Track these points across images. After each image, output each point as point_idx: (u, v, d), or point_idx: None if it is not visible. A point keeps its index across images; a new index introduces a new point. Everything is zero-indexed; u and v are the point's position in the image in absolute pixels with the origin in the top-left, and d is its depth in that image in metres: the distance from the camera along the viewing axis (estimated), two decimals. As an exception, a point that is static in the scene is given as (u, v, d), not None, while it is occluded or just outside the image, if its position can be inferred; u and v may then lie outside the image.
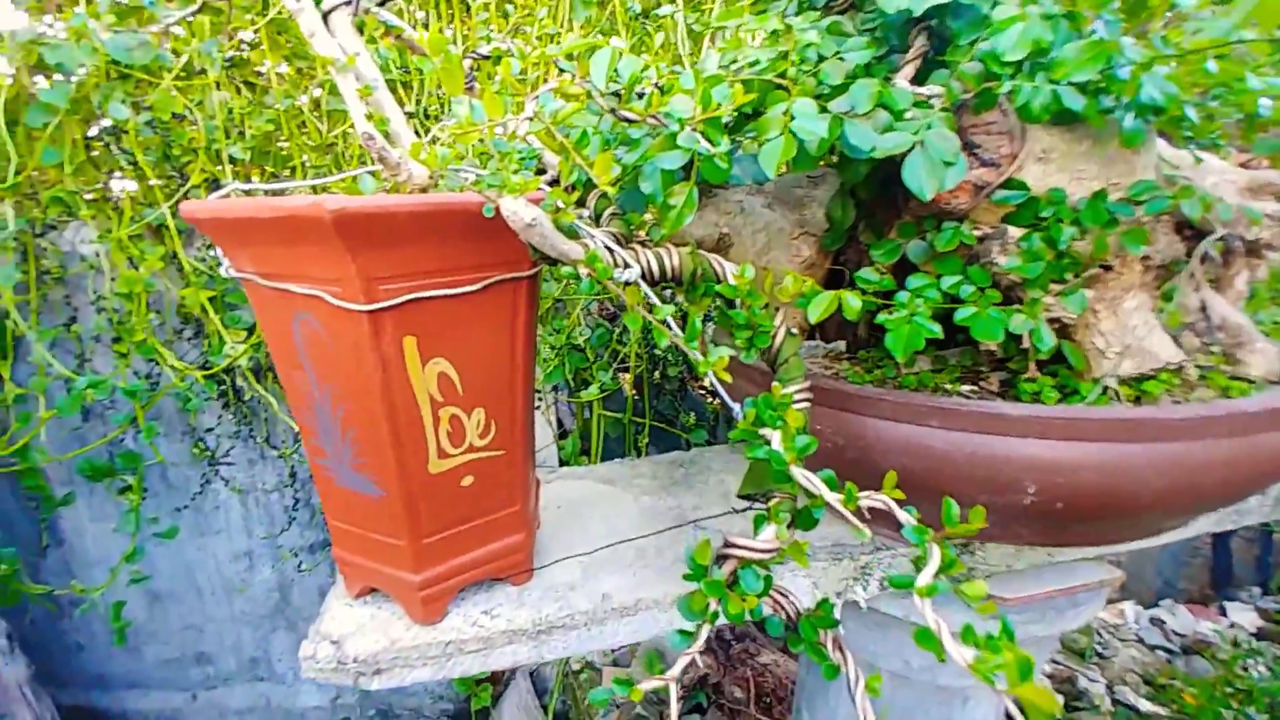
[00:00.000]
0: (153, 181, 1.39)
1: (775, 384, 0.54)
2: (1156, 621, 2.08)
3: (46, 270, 1.49)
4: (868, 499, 0.46)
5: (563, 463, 1.76)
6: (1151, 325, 0.62)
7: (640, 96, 0.50)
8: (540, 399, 1.67)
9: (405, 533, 0.62)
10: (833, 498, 0.45)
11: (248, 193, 0.60)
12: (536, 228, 0.48)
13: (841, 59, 0.54)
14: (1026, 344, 0.61)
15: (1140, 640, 2.01)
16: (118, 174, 1.45)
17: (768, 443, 0.48)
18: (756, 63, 0.54)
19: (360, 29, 0.54)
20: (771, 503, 0.49)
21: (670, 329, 0.48)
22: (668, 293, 0.65)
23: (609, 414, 1.66)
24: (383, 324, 0.54)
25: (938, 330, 0.55)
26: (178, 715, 1.82)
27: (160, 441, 1.56)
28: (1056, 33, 0.50)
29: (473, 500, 0.65)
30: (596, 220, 0.70)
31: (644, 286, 0.53)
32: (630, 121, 0.51)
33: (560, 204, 0.49)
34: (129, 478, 1.55)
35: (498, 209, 0.48)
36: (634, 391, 1.74)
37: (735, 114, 0.82)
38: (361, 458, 0.60)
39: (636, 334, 1.59)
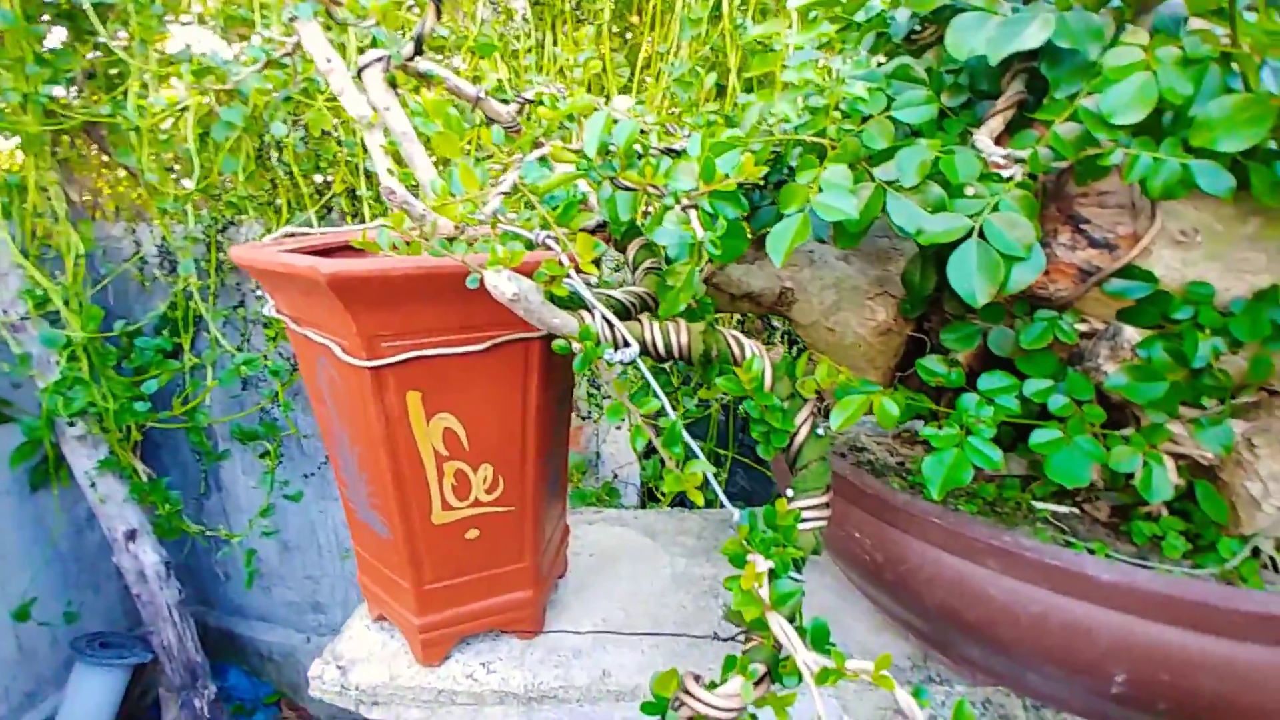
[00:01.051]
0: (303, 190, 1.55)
1: (783, 497, 0.46)
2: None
3: (224, 261, 1.71)
4: (855, 667, 0.37)
5: (643, 484, 1.72)
6: (1337, 476, 0.45)
7: (639, 159, 0.43)
8: (625, 418, 1.64)
9: (409, 577, 0.61)
10: (809, 660, 0.37)
11: (299, 236, 0.62)
12: (520, 303, 0.44)
13: (892, 118, 0.43)
14: (1137, 481, 0.47)
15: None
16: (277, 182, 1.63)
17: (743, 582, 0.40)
18: (786, 119, 0.45)
19: (393, 83, 0.53)
20: (745, 648, 0.41)
21: (646, 428, 0.42)
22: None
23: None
24: (385, 379, 0.53)
25: (997, 460, 0.43)
26: (294, 652, 2.05)
27: (297, 415, 1.75)
28: (1199, 84, 0.36)
29: (478, 553, 0.63)
30: (634, 269, 0.64)
31: (644, 369, 0.47)
32: (631, 189, 0.45)
33: (552, 275, 0.44)
34: (269, 444, 1.75)
35: (482, 281, 0.44)
36: (721, 419, 1.66)
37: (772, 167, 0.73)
38: (372, 498, 0.61)
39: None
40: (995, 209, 0.39)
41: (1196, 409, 0.45)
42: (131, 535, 1.71)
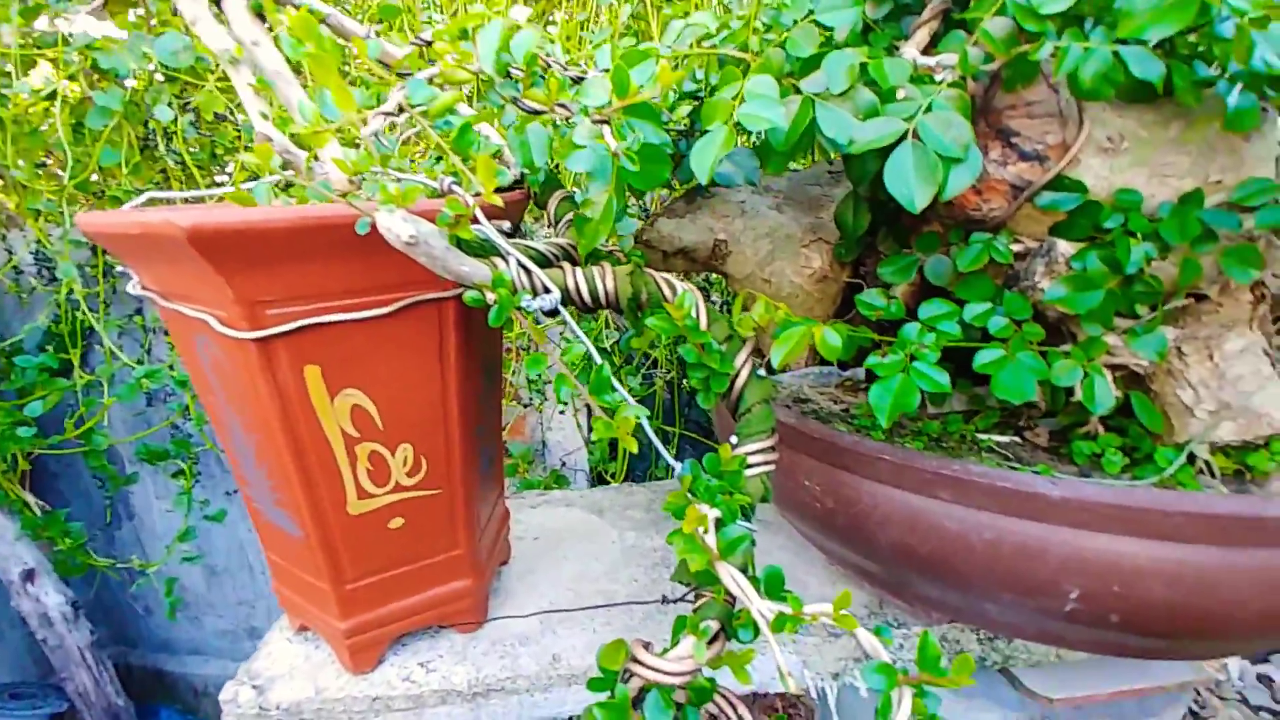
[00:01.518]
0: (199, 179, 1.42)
1: (726, 443, 0.42)
2: (1264, 679, 1.76)
3: (113, 264, 1.55)
4: (814, 610, 0.34)
5: (592, 468, 1.68)
6: (1264, 376, 0.45)
7: (540, 79, 0.39)
8: (568, 403, 1.59)
9: (327, 577, 0.55)
10: (764, 609, 0.33)
11: (167, 202, 0.54)
12: (420, 246, 0.38)
13: (817, 23, 0.40)
14: (1078, 396, 0.46)
15: (1244, 700, 1.71)
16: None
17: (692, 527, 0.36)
18: (709, 34, 0.42)
19: (260, 13, 0.46)
20: (696, 605, 0.38)
21: (571, 377, 0.38)
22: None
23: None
24: (275, 352, 0.46)
25: (944, 383, 0.41)
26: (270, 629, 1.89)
27: (212, 429, 1.60)
28: (1126, -27, 0.35)
29: (405, 543, 0.57)
30: (556, 224, 0.59)
31: (566, 316, 0.43)
32: (535, 113, 0.40)
33: (455, 215, 0.39)
34: (182, 462, 1.60)
35: (374, 225, 0.38)
36: (666, 396, 1.63)
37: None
38: (276, 493, 0.54)
39: (667, 341, 1.48)
40: (928, 110, 0.36)
41: (1130, 318, 0.44)
42: (29, 576, 1.53)
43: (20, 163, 1.47)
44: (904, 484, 0.47)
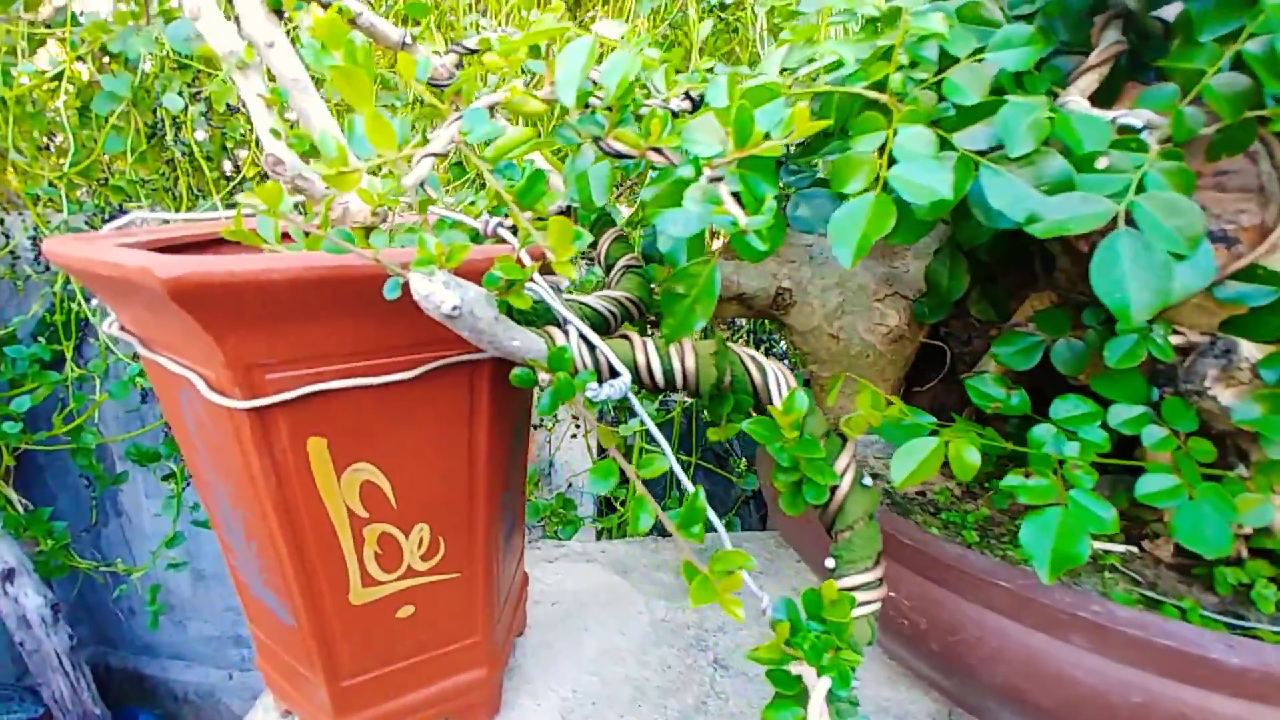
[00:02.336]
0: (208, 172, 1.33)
1: (830, 573, 0.33)
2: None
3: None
4: None
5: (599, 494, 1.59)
6: None
7: (637, 118, 0.30)
8: (579, 424, 1.50)
9: (321, 671, 0.46)
10: None
11: (162, 221, 0.45)
12: (464, 320, 0.29)
13: (983, 61, 0.31)
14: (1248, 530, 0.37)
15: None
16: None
17: (794, 697, 0.27)
18: (839, 64, 0.33)
19: (279, 10, 0.37)
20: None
21: (651, 501, 0.29)
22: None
23: (652, 450, 1.47)
24: (272, 424, 0.37)
25: (1110, 521, 0.32)
26: (215, 690, 1.81)
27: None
28: None
29: (414, 633, 0.48)
30: (608, 269, 0.50)
31: (639, 410, 0.34)
32: (623, 157, 0.31)
33: (509, 280, 0.30)
34: (174, 465, 1.51)
35: (405, 288, 0.30)
36: (683, 422, 1.54)
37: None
38: (266, 574, 0.45)
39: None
40: (1141, 188, 0.27)
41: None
42: (8, 575, 1.44)
43: (22, 145, 1.38)
44: (1025, 619, 0.38)
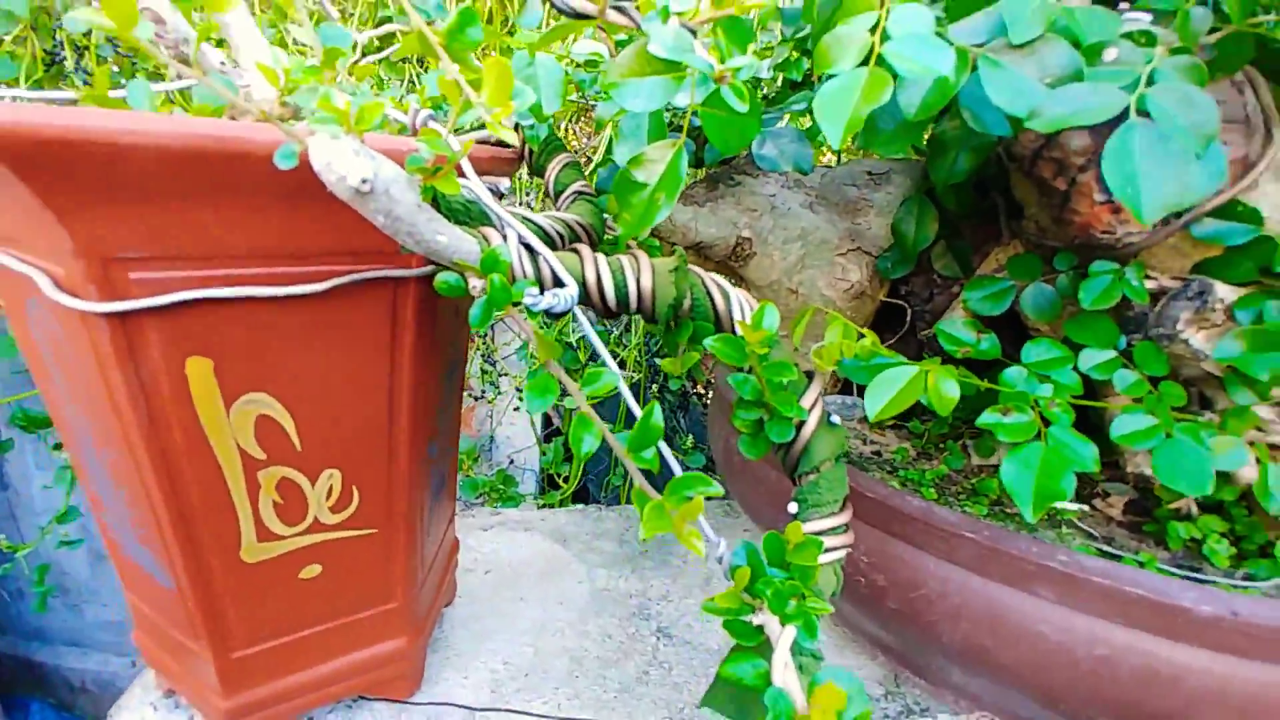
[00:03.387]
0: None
1: (794, 517, 0.30)
2: None
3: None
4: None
5: (543, 469, 1.53)
6: None
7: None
8: (523, 396, 1.44)
9: (206, 640, 0.39)
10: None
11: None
12: (377, 198, 0.24)
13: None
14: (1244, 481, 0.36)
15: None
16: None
17: (756, 649, 0.23)
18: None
19: None
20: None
21: (596, 420, 0.24)
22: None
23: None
24: (140, 337, 0.30)
25: (1091, 458, 0.29)
26: (115, 679, 1.65)
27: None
28: None
29: (321, 597, 0.42)
30: (556, 198, 0.45)
31: (585, 325, 0.29)
32: (581, 18, 0.26)
33: (435, 158, 0.24)
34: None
35: (303, 157, 0.24)
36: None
37: (782, 70, 0.57)
38: (141, 529, 0.37)
39: (638, 340, 1.35)
40: (1151, 81, 0.24)
41: (1293, 388, 0.34)
42: None
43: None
44: (991, 572, 0.36)
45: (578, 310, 0.31)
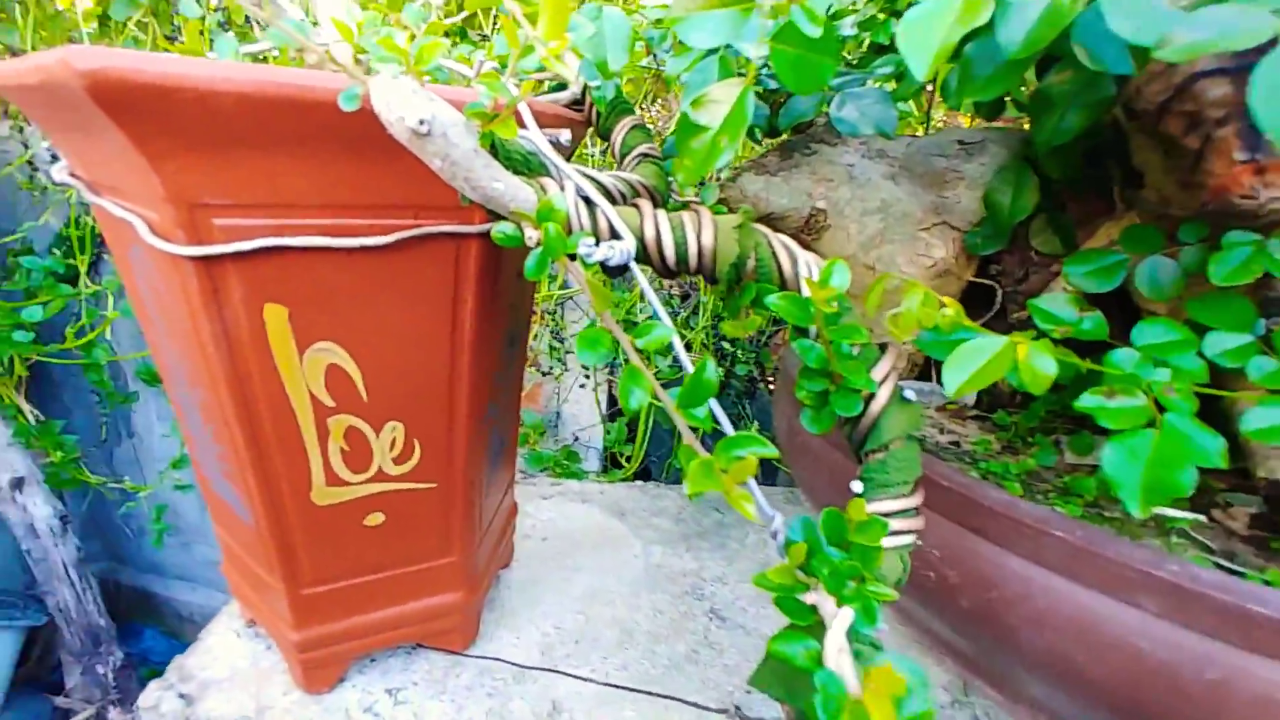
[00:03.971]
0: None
1: (857, 496, 0.27)
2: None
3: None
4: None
5: (606, 448, 1.54)
6: None
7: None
8: (589, 375, 1.45)
9: (280, 575, 0.41)
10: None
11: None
12: (434, 140, 0.24)
13: None
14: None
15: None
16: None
17: (808, 630, 0.22)
18: None
19: None
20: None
21: (646, 374, 0.23)
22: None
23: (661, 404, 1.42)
24: (223, 280, 0.32)
25: (1216, 452, 0.25)
26: (217, 612, 1.82)
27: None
28: None
29: (383, 545, 0.43)
30: (621, 161, 0.44)
31: (640, 278, 0.28)
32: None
33: (495, 103, 0.24)
34: (183, 388, 1.49)
35: (366, 100, 0.24)
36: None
37: (867, 29, 0.53)
38: (225, 464, 0.40)
39: (705, 321, 1.32)
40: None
41: None
42: (18, 484, 1.44)
43: (41, 48, 1.34)
44: (1083, 577, 0.32)
45: (635, 269, 0.30)
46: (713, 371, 0.22)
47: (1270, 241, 0.32)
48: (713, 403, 0.24)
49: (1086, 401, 0.28)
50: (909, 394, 0.30)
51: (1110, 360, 0.31)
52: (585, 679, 0.48)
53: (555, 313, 1.43)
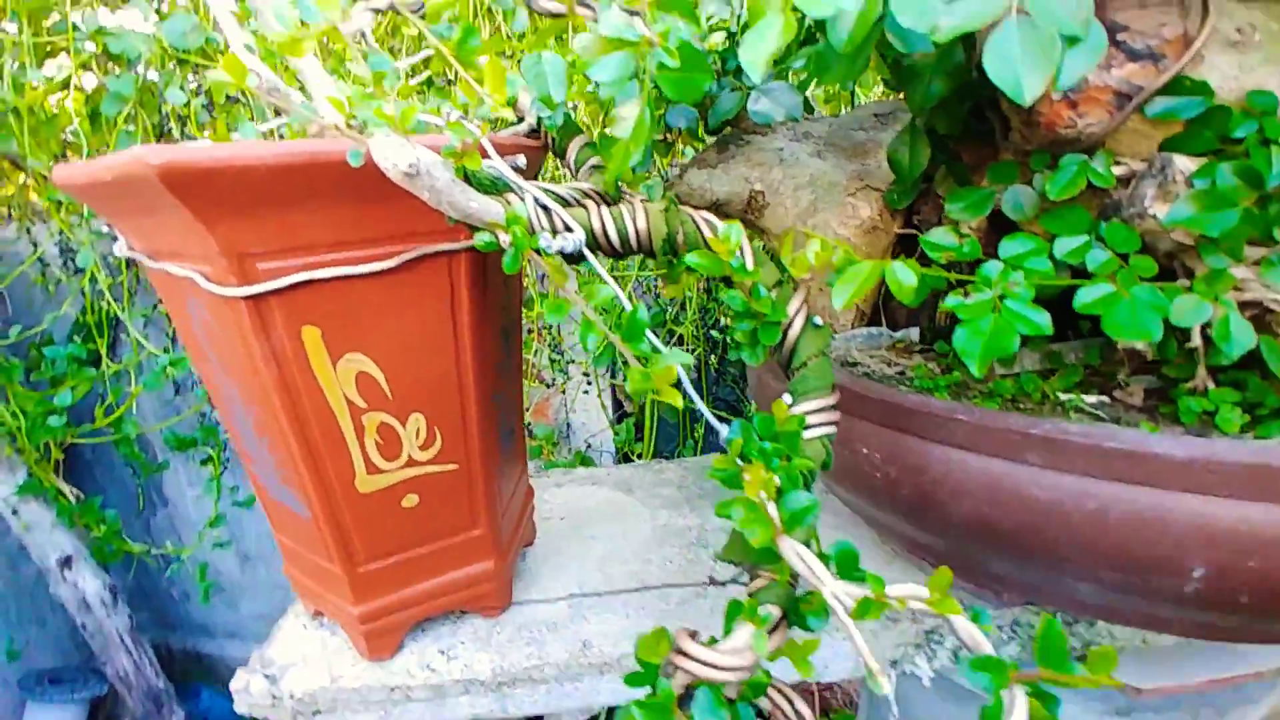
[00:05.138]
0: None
1: (779, 399, 0.36)
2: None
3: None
4: (902, 593, 0.28)
5: (618, 449, 1.63)
6: None
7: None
8: (591, 381, 1.54)
9: (338, 559, 0.50)
10: (840, 592, 0.27)
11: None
12: (421, 178, 0.32)
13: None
14: (1197, 342, 0.38)
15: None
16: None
17: (747, 498, 0.30)
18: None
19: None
20: (751, 586, 0.31)
21: (598, 322, 0.31)
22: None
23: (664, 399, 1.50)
24: (268, 312, 0.41)
25: (1043, 323, 0.34)
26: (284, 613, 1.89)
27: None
28: None
29: (420, 523, 0.52)
30: (576, 173, 0.53)
31: (591, 259, 0.37)
32: (553, 17, 0.34)
33: (461, 143, 0.33)
34: (210, 449, 1.59)
35: (368, 155, 0.33)
36: (694, 375, 1.56)
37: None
38: (281, 470, 0.49)
39: (693, 315, 1.41)
40: (1031, -20, 0.29)
41: (1265, 244, 0.36)
42: (67, 562, 1.54)
43: (40, 154, 1.45)
44: (983, 448, 0.40)
45: (590, 255, 0.38)
46: (644, 313, 0.31)
47: (1095, 158, 0.40)
48: (686, 384, 0.32)
49: (950, 301, 0.36)
50: (818, 320, 0.38)
51: (980, 271, 0.39)
52: (609, 619, 0.56)
53: (553, 328, 1.52)
